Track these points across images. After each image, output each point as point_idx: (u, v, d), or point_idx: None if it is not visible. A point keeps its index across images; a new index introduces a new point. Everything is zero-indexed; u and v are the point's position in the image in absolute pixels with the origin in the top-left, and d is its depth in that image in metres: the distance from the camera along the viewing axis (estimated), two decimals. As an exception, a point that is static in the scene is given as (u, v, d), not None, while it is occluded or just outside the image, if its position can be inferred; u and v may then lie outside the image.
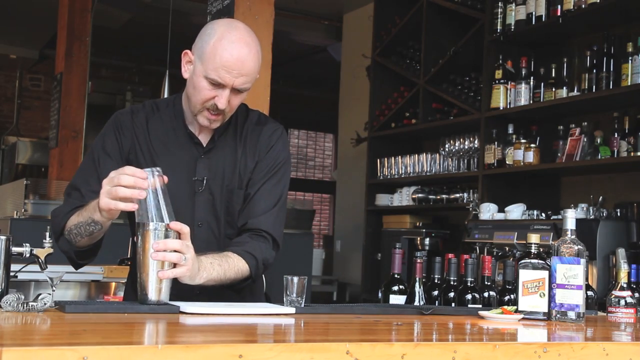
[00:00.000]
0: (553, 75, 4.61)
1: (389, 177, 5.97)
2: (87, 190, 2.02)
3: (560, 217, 4.10)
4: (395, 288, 2.44)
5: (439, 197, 5.59)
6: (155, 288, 1.91)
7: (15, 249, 1.92)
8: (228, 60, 1.96)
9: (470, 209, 4.85)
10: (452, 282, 2.46)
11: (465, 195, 5.34)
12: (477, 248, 4.46)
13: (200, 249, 1.95)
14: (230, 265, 1.99)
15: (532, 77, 4.73)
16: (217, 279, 1.96)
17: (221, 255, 1.99)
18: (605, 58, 4.28)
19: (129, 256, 4.05)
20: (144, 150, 2.09)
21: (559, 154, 4.54)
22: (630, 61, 4.09)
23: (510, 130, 4.88)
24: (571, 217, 2.17)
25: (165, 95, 5.86)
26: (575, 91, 4.44)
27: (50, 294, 1.76)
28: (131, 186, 1.77)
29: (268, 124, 2.19)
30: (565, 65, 4.56)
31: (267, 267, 2.11)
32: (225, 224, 2.10)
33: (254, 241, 2.08)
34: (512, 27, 4.82)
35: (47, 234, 2.01)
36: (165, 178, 1.83)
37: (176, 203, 1.90)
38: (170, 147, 2.10)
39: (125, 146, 2.08)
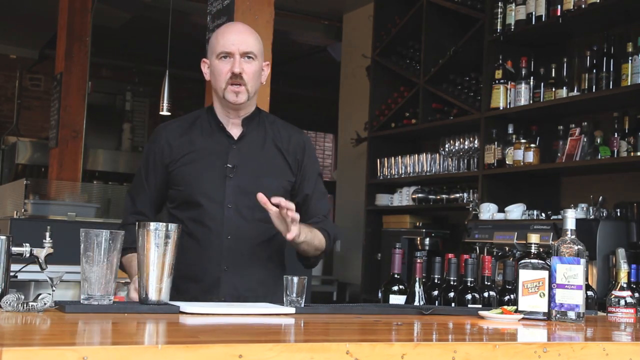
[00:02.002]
0: (553, 75, 4.61)
1: (389, 177, 5.97)
2: (132, 212, 2.43)
3: (560, 217, 4.10)
4: (395, 288, 2.44)
5: (439, 197, 5.59)
6: (156, 288, 1.91)
7: (15, 249, 1.92)
8: (228, 34, 2.34)
9: (470, 209, 4.85)
10: (452, 282, 2.46)
11: (465, 195, 5.34)
12: (477, 248, 4.46)
13: (231, 229, 2.32)
14: (315, 234, 2.36)
15: (532, 77, 4.73)
16: (309, 242, 2.32)
17: (309, 225, 2.34)
18: (605, 58, 4.28)
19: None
20: (183, 152, 2.39)
21: (559, 154, 4.54)
22: (630, 61, 4.09)
23: (510, 130, 4.88)
24: (571, 217, 2.17)
25: (165, 95, 5.87)
26: (575, 91, 4.44)
27: (50, 294, 1.76)
28: None
29: (295, 129, 2.52)
30: (565, 65, 4.56)
31: (334, 244, 2.49)
32: (255, 207, 2.26)
33: (327, 221, 2.46)
34: (512, 27, 4.82)
35: (47, 234, 2.01)
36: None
37: (210, 187, 2.32)
38: (205, 141, 2.39)
39: (163, 157, 2.41)
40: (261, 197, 2.13)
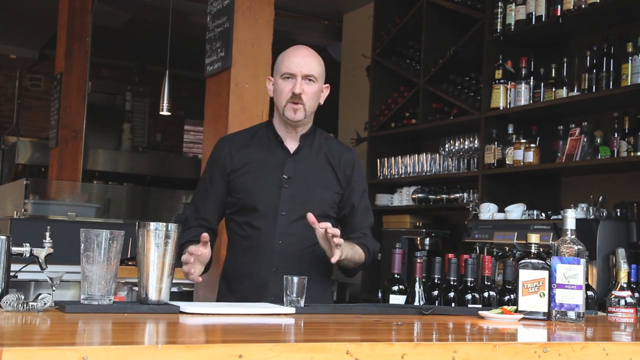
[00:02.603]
0: (553, 75, 4.61)
1: (389, 177, 5.97)
2: (200, 221, 2.60)
3: (560, 217, 4.10)
4: (395, 288, 2.44)
5: (439, 197, 5.59)
6: (156, 288, 1.91)
7: (15, 249, 1.92)
8: (293, 56, 2.54)
9: (470, 209, 4.85)
10: (452, 282, 2.46)
11: (465, 195, 5.34)
12: (477, 248, 4.46)
13: (282, 234, 2.51)
14: (355, 251, 2.53)
15: (532, 77, 4.73)
16: (350, 259, 2.48)
17: (350, 242, 2.51)
18: (605, 58, 4.28)
19: (128, 256, 4.06)
20: (243, 162, 2.58)
21: (559, 154, 4.54)
22: (630, 61, 4.09)
23: (510, 130, 4.88)
24: (571, 217, 2.17)
25: (165, 95, 5.87)
26: (575, 91, 4.44)
27: (50, 294, 1.76)
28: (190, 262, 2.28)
29: (347, 147, 2.75)
30: (565, 65, 4.56)
31: (373, 258, 2.65)
32: (305, 216, 2.41)
33: (367, 237, 2.63)
34: (512, 27, 4.82)
35: (47, 234, 2.01)
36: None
37: (266, 195, 2.52)
38: (263, 153, 2.59)
39: (225, 167, 2.59)
40: (310, 217, 2.29)
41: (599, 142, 4.29)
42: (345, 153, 2.65)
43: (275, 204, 2.52)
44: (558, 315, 2.11)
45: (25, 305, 1.72)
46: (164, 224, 1.94)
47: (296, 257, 2.51)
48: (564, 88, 4.49)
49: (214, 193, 2.59)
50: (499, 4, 4.91)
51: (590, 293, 2.58)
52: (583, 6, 4.33)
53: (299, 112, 2.52)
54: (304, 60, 2.52)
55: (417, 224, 5.73)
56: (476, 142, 5.12)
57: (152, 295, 1.91)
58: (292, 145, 2.59)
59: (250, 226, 2.53)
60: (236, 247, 2.60)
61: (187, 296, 4.07)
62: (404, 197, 5.86)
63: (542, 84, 4.64)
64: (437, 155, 5.54)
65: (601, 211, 4.09)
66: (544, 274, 2.15)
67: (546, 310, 2.14)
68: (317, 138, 2.64)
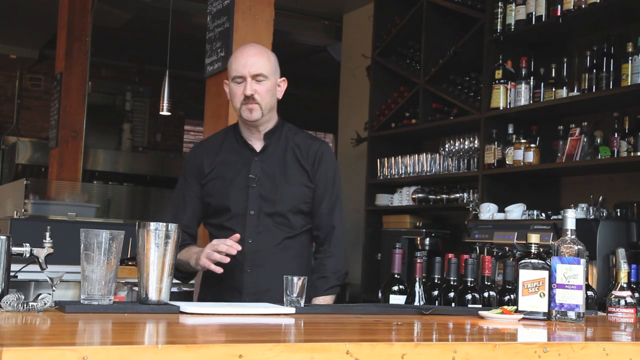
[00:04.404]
0: (553, 75, 4.61)
1: (389, 177, 5.97)
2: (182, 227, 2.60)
3: (560, 217, 4.10)
4: (395, 288, 2.44)
5: (439, 197, 5.59)
6: (156, 288, 1.91)
7: (15, 249, 1.92)
8: (239, 58, 2.55)
9: (470, 209, 4.85)
10: (452, 282, 2.46)
11: (465, 195, 5.34)
12: (477, 248, 4.46)
13: (252, 233, 2.54)
14: (328, 299, 2.60)
15: (532, 77, 4.73)
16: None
17: (321, 296, 2.57)
18: (605, 58, 4.28)
19: (128, 256, 4.06)
20: (213, 167, 2.64)
21: (559, 154, 4.54)
22: (630, 61, 4.09)
23: (510, 130, 4.88)
24: (571, 217, 2.17)
25: (165, 95, 5.87)
26: (575, 91, 4.44)
27: (50, 294, 1.76)
28: (223, 253, 2.33)
29: (317, 139, 2.70)
30: (565, 65, 4.56)
31: (345, 277, 2.66)
32: (274, 213, 2.56)
33: (325, 260, 2.62)
34: (512, 27, 4.82)
35: (47, 234, 2.01)
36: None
37: (235, 196, 2.56)
38: (231, 155, 2.64)
39: (197, 172, 2.66)
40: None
41: (599, 142, 4.29)
42: (313, 145, 2.65)
43: (244, 204, 2.57)
44: (558, 315, 2.11)
45: (25, 305, 1.72)
46: (164, 224, 1.94)
47: (267, 255, 2.55)
48: (564, 88, 4.49)
49: (191, 198, 2.65)
50: (499, 4, 4.91)
51: (590, 293, 2.58)
52: (583, 6, 4.33)
53: (254, 111, 2.54)
54: (250, 60, 2.53)
55: (417, 224, 5.73)
56: (476, 142, 5.12)
57: (152, 295, 1.91)
58: (257, 144, 2.63)
59: (223, 228, 2.58)
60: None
61: (187, 296, 4.07)
62: (404, 197, 5.86)
63: (542, 84, 4.64)
64: (437, 155, 5.54)
65: (601, 211, 4.09)
66: (544, 274, 2.15)
67: (546, 310, 2.14)
68: (285, 133, 2.66)
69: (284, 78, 2.65)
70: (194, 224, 2.68)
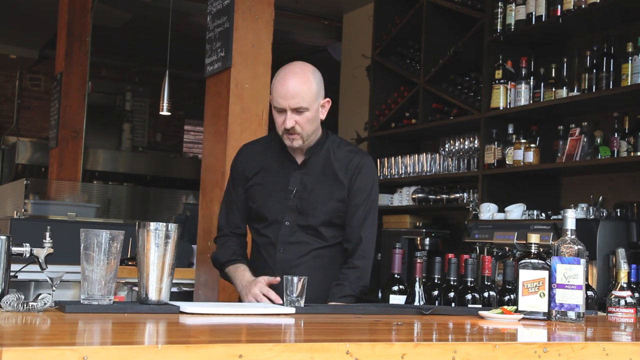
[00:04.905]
0: (553, 75, 4.61)
1: (388, 177, 5.97)
2: (232, 228, 2.77)
3: (560, 217, 4.10)
4: (395, 288, 2.45)
5: (439, 197, 5.59)
6: (156, 288, 1.91)
7: (15, 249, 1.92)
8: (280, 87, 2.53)
9: (470, 209, 4.85)
10: (452, 282, 2.46)
11: (465, 195, 5.34)
12: (477, 248, 4.46)
13: (284, 243, 2.62)
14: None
15: (532, 77, 4.73)
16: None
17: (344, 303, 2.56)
18: (605, 58, 4.28)
19: (128, 256, 4.06)
20: (256, 172, 2.71)
21: (559, 154, 4.54)
22: (630, 61, 4.09)
23: (510, 130, 4.88)
24: (571, 217, 2.17)
25: (165, 95, 5.87)
26: (575, 91, 4.43)
27: (50, 294, 1.76)
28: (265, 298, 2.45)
29: (360, 152, 2.72)
30: (565, 65, 4.56)
31: (365, 283, 2.64)
32: (307, 226, 2.61)
33: (347, 270, 2.62)
34: (512, 27, 4.82)
35: (47, 234, 2.01)
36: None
37: (273, 206, 2.63)
38: (274, 164, 2.69)
39: (243, 174, 2.74)
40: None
41: (599, 142, 4.29)
42: (354, 159, 2.66)
43: (280, 215, 2.63)
44: (558, 315, 2.11)
45: (25, 305, 1.72)
46: (164, 224, 1.94)
47: (295, 264, 2.61)
48: (564, 88, 4.49)
49: (239, 199, 2.74)
50: (499, 4, 4.91)
51: (590, 293, 2.58)
52: (583, 6, 4.33)
53: (295, 141, 2.58)
54: (290, 92, 2.51)
55: (417, 224, 5.73)
56: (476, 142, 5.12)
57: (152, 295, 1.91)
58: (299, 157, 2.67)
59: (260, 234, 2.69)
60: (252, 251, 2.77)
61: (187, 296, 4.07)
62: (404, 197, 5.86)
63: (542, 84, 4.64)
64: (437, 155, 5.54)
65: (601, 211, 4.09)
66: (544, 274, 2.15)
67: (546, 310, 2.13)
68: (327, 147, 2.68)
69: (327, 99, 2.63)
70: (244, 223, 2.77)
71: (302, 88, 2.52)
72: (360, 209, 2.63)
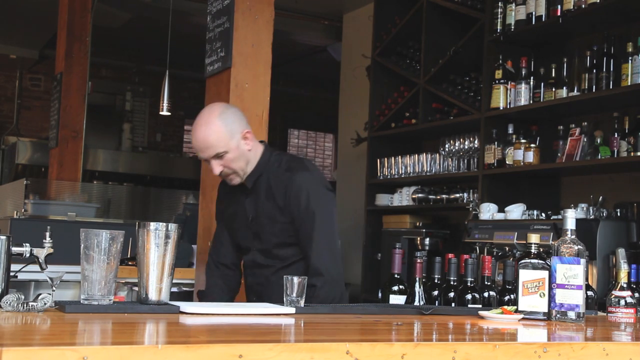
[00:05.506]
0: (553, 75, 4.61)
1: (389, 177, 5.97)
2: (215, 261, 2.87)
3: (560, 217, 4.10)
4: (395, 288, 2.44)
5: (439, 197, 5.59)
6: (156, 288, 1.91)
7: (15, 249, 1.92)
8: (194, 142, 2.60)
9: (470, 209, 4.85)
10: (452, 282, 2.46)
11: (465, 195, 5.34)
12: (477, 248, 4.46)
13: (253, 267, 2.73)
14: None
15: (532, 77, 4.73)
16: None
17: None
18: (605, 58, 4.28)
19: (128, 256, 4.06)
20: (226, 204, 2.82)
21: (559, 154, 4.54)
22: (630, 61, 4.09)
23: (510, 130, 4.88)
24: (571, 217, 2.17)
25: (165, 95, 5.87)
26: (575, 91, 4.43)
27: (50, 294, 1.76)
28: None
29: (296, 171, 2.64)
30: (565, 65, 4.56)
31: (324, 299, 2.58)
32: (264, 249, 2.70)
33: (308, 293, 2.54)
34: (512, 27, 4.82)
35: (47, 234, 2.01)
36: None
37: (241, 234, 2.75)
38: (236, 191, 2.74)
39: (220, 208, 2.88)
40: None
41: (599, 142, 4.29)
42: (287, 176, 2.64)
43: (247, 242, 2.75)
44: (558, 315, 2.11)
45: (25, 305, 1.72)
46: (164, 224, 1.94)
47: (264, 286, 2.72)
48: (564, 88, 4.49)
49: (223, 232, 2.86)
50: (499, 4, 4.91)
51: (590, 293, 2.58)
52: (583, 6, 4.33)
53: (233, 180, 2.66)
54: (202, 146, 2.56)
55: (417, 224, 5.73)
56: (476, 142, 5.12)
57: (152, 295, 1.91)
58: (248, 182, 2.71)
59: (239, 259, 2.86)
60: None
61: (187, 296, 4.07)
62: (404, 197, 5.86)
63: (542, 84, 4.64)
64: (437, 155, 5.54)
65: (601, 211, 4.09)
66: (544, 274, 2.15)
67: (546, 310, 2.13)
68: (268, 168, 2.68)
69: (247, 130, 2.62)
70: (229, 256, 2.85)
71: (211, 137, 2.54)
72: (303, 226, 2.61)
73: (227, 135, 2.57)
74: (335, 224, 2.68)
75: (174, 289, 4.01)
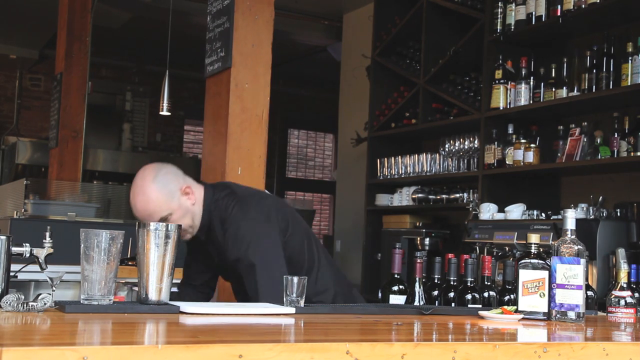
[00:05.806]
0: (553, 75, 4.61)
1: (389, 177, 5.97)
2: (186, 285, 2.86)
3: (560, 217, 4.10)
4: (395, 288, 2.44)
5: (439, 197, 5.59)
6: (156, 288, 1.91)
7: (15, 249, 1.92)
8: (136, 214, 2.51)
9: (470, 209, 4.85)
10: (452, 282, 2.46)
11: (465, 195, 5.34)
12: (477, 248, 4.46)
13: (235, 292, 2.73)
14: None
15: (532, 77, 4.73)
16: None
17: None
18: (605, 58, 4.28)
19: (128, 256, 4.05)
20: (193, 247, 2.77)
21: (559, 154, 4.54)
22: (630, 61, 4.09)
23: (510, 130, 4.88)
24: (571, 217, 2.17)
25: (165, 95, 5.87)
26: (575, 91, 4.44)
27: (50, 294, 1.76)
28: None
29: (226, 210, 2.57)
30: (565, 65, 4.56)
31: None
32: (231, 281, 2.74)
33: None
34: (512, 27, 4.82)
35: (47, 234, 2.01)
36: None
37: (211, 270, 2.79)
38: (197, 241, 2.68)
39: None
40: None
41: (599, 142, 4.29)
42: (223, 217, 2.57)
43: (221, 274, 2.82)
44: (558, 315, 2.11)
45: (25, 305, 1.72)
46: (164, 224, 1.94)
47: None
48: (564, 88, 4.49)
49: (190, 255, 2.85)
50: (499, 4, 4.91)
51: (590, 293, 2.58)
52: (583, 6, 4.33)
53: (186, 236, 2.58)
54: (143, 215, 2.46)
55: (417, 224, 5.73)
56: (476, 142, 5.12)
57: (152, 295, 1.91)
58: (202, 236, 2.69)
59: (212, 276, 2.88)
60: None
61: (187, 296, 4.06)
62: (404, 197, 5.86)
63: (542, 84, 4.64)
64: (437, 155, 5.54)
65: (601, 211, 4.09)
66: (544, 274, 2.15)
67: (546, 310, 2.13)
68: (213, 219, 2.59)
69: (186, 185, 2.54)
70: (197, 276, 2.82)
71: (151, 205, 2.46)
72: (241, 264, 2.49)
73: (167, 198, 2.48)
74: (277, 255, 2.52)
75: (174, 289, 4.01)
